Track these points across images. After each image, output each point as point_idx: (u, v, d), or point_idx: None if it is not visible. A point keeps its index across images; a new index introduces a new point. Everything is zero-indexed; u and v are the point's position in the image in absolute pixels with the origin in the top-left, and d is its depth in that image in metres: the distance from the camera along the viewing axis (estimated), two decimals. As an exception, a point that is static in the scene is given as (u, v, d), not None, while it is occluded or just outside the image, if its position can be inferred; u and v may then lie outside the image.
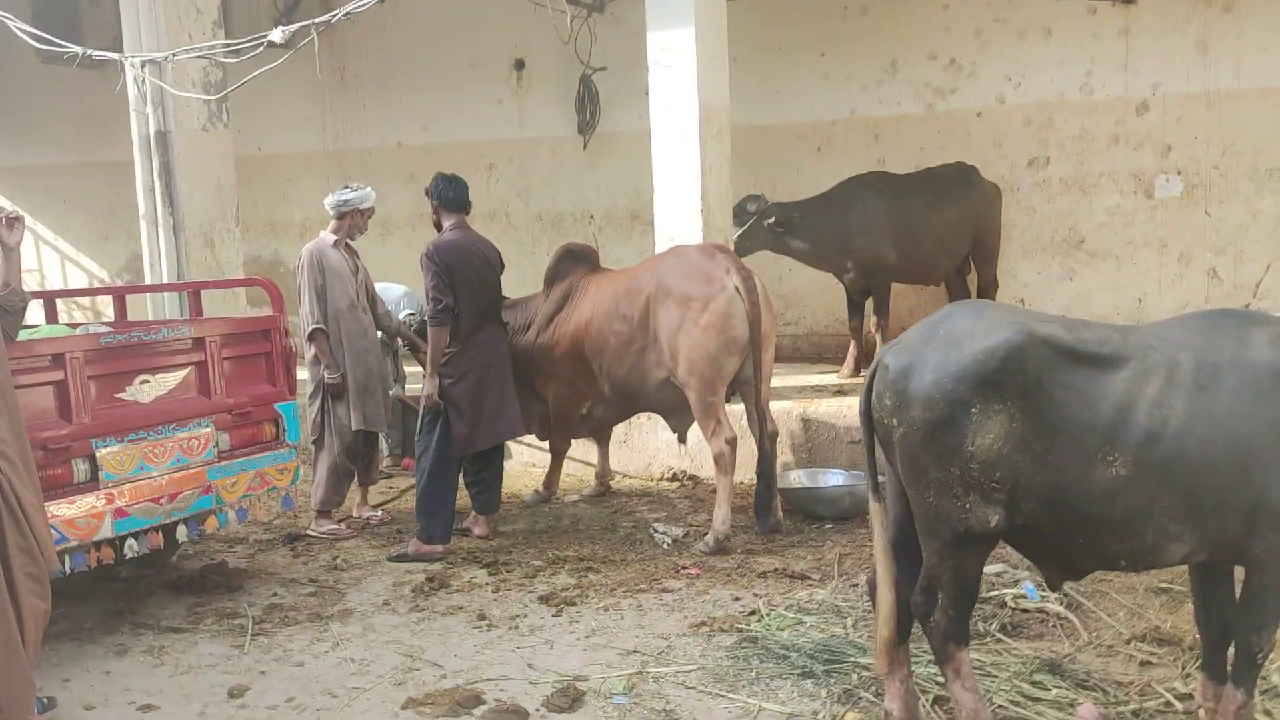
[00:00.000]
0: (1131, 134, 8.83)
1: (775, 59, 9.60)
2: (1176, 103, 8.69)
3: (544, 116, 10.67)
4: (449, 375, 6.15)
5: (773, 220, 8.19)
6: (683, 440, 6.89)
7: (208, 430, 5.31)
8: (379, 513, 7.07)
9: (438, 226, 6.35)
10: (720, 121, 7.62)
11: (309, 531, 6.69)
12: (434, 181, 6.30)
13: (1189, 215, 8.78)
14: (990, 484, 3.33)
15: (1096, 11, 8.78)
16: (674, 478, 7.67)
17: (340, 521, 6.84)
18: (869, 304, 8.54)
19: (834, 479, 6.78)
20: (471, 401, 6.19)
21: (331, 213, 6.89)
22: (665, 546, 6.15)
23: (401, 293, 7.98)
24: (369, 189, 6.91)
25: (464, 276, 6.13)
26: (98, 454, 4.82)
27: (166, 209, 8.87)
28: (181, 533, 5.26)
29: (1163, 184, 8.78)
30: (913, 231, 8.31)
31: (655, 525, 6.42)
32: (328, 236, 6.85)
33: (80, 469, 4.77)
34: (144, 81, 8.52)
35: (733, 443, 6.05)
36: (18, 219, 4.36)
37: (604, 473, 7.43)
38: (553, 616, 5.18)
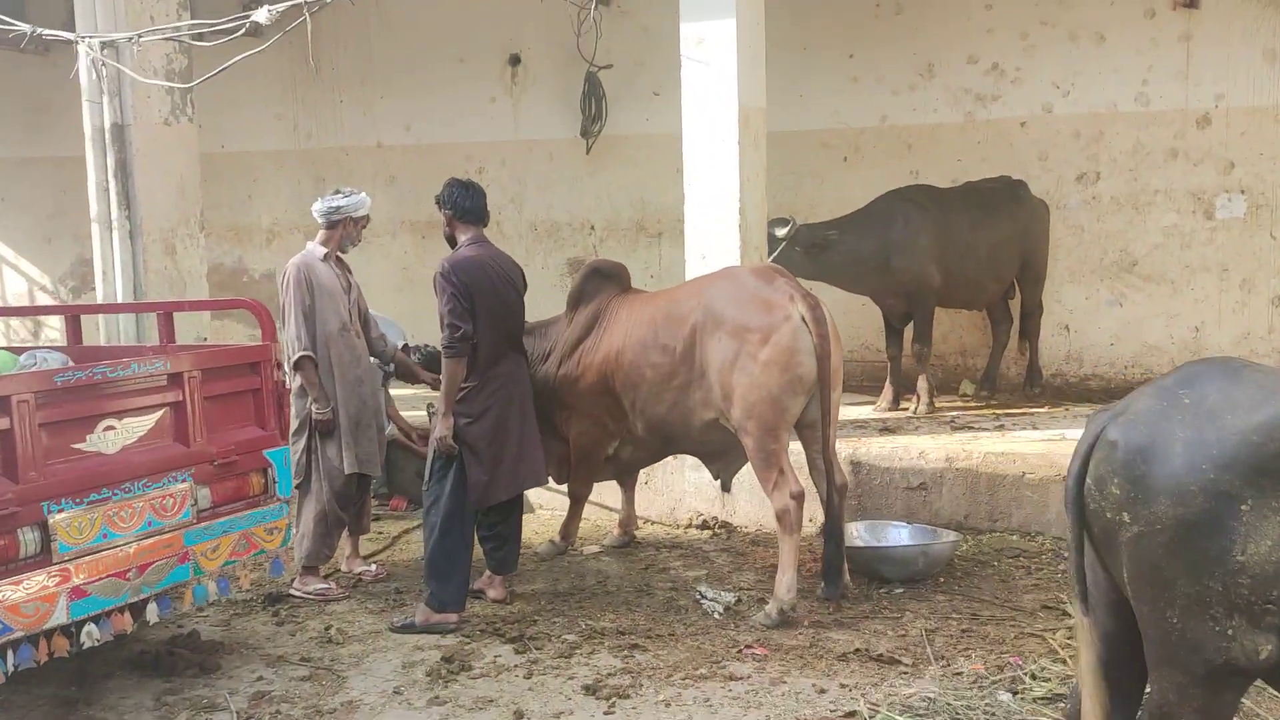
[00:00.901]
0: (1191, 149, 8.14)
1: (799, 59, 8.77)
2: (1241, 116, 8.01)
3: (541, 117, 9.77)
4: (465, 414, 5.25)
5: (807, 245, 7.38)
6: (726, 489, 6.04)
7: (185, 485, 4.37)
8: (373, 567, 6.14)
9: (451, 241, 5.45)
10: (757, 127, 6.81)
11: (293, 591, 5.74)
12: (447, 189, 5.41)
13: (1252, 238, 8.11)
14: (1264, 604, 2.53)
15: (1155, 15, 8.09)
16: (705, 525, 6.82)
17: (327, 577, 5.90)
18: (908, 330, 7.79)
19: (900, 535, 5.98)
20: (491, 444, 5.30)
21: (320, 221, 5.95)
22: (717, 616, 5.30)
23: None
24: (363, 194, 5.98)
25: (484, 300, 5.25)
26: (50, 520, 3.88)
27: (122, 211, 7.87)
28: (152, 612, 4.31)
29: (1224, 203, 8.11)
30: (959, 251, 7.56)
31: (701, 590, 5.56)
32: (316, 248, 5.91)
33: (28, 540, 3.83)
34: (101, 67, 7.52)
35: (799, 498, 5.21)
36: None
37: (628, 520, 6.56)
38: (604, 715, 4.31)
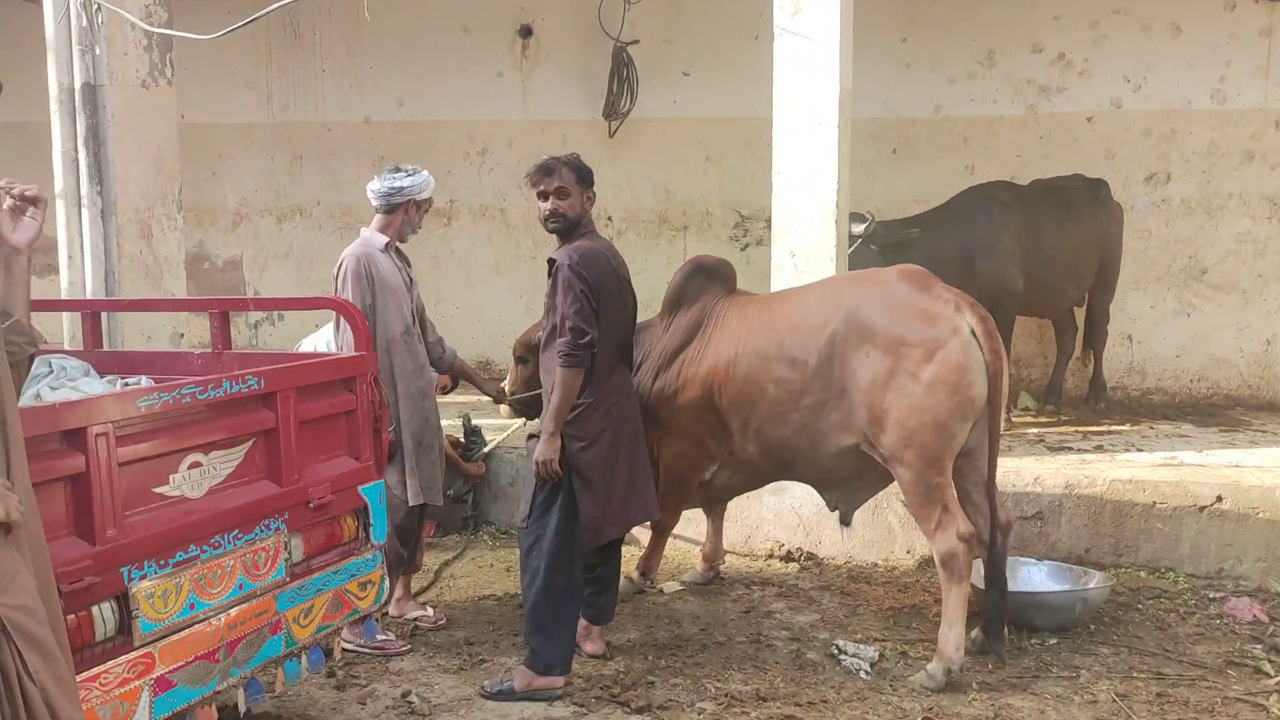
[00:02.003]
0: (1270, 151, 7.68)
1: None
2: (1324, 118, 7.60)
3: (554, 95, 8.88)
4: (577, 437, 4.40)
5: (884, 244, 6.69)
6: (846, 522, 5.27)
7: (277, 535, 3.45)
8: (429, 611, 5.24)
9: (567, 229, 4.55)
10: (848, 112, 6.08)
11: (344, 644, 4.79)
12: (573, 165, 4.53)
13: (1330, 247, 7.71)
14: None
15: (1236, 8, 7.61)
16: (789, 557, 6.08)
17: (385, 626, 5.00)
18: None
19: (1035, 575, 5.30)
20: (605, 473, 4.46)
21: (378, 205, 5.04)
22: (864, 676, 4.56)
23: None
24: (425, 173, 5.07)
25: (608, 301, 4.42)
26: (131, 591, 2.93)
27: (94, 186, 6.77)
28: (240, 699, 3.37)
29: (1302, 210, 7.69)
30: (1043, 255, 6.96)
31: (838, 644, 4.81)
32: (375, 237, 5.00)
33: (106, 618, 2.87)
34: (74, 17, 6.43)
35: (969, 540, 4.49)
36: (37, 200, 2.48)
37: (714, 554, 5.77)
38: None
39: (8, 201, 2.44)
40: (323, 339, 5.56)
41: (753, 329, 4.96)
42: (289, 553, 3.49)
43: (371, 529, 3.87)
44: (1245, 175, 7.74)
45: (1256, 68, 7.63)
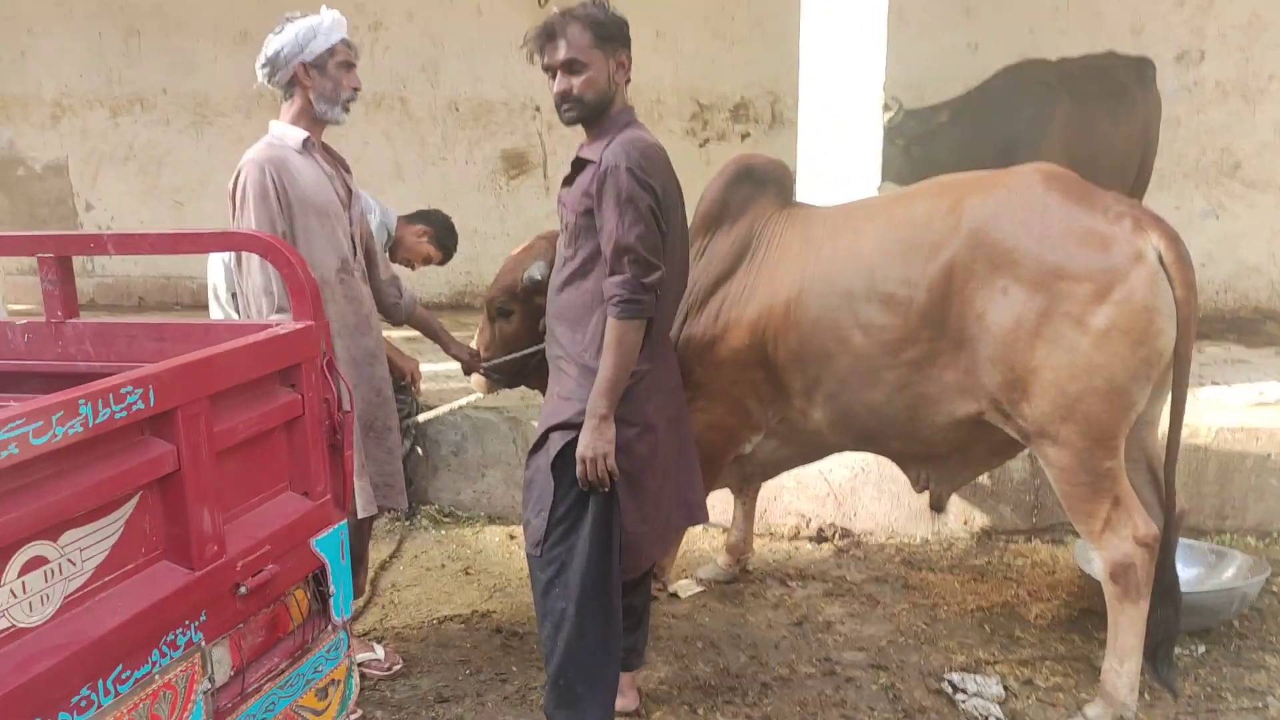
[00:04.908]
0: (1321, 25, 6.64)
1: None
2: (1382, -13, 6.56)
3: (465, -48, 7.19)
4: (631, 421, 2.98)
5: (912, 136, 5.40)
6: (939, 509, 4.00)
7: (190, 654, 1.97)
8: (379, 651, 3.79)
9: (589, 116, 3.07)
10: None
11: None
12: (588, 12, 2.99)
13: (1381, 140, 6.76)
14: None
15: None
16: (819, 534, 4.85)
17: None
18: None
19: (1197, 568, 4.16)
20: (654, 471, 3.08)
21: (271, 83, 3.42)
22: (996, 723, 3.38)
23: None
24: (318, 15, 3.42)
25: (674, 222, 3.01)
26: None
27: None
28: None
29: (1353, 97, 6.69)
30: (1091, 148, 5.76)
31: (952, 679, 3.59)
32: (287, 131, 3.40)
33: None
34: None
35: (1152, 546, 3.29)
36: None
37: (743, 545, 4.48)
38: None
39: None
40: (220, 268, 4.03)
41: (824, 255, 3.60)
42: (209, 679, 2.02)
43: (333, 600, 2.41)
44: (1290, 54, 6.68)
45: (1308, -75, 6.52)
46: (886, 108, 5.35)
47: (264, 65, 3.36)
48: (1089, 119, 5.71)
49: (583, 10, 3.02)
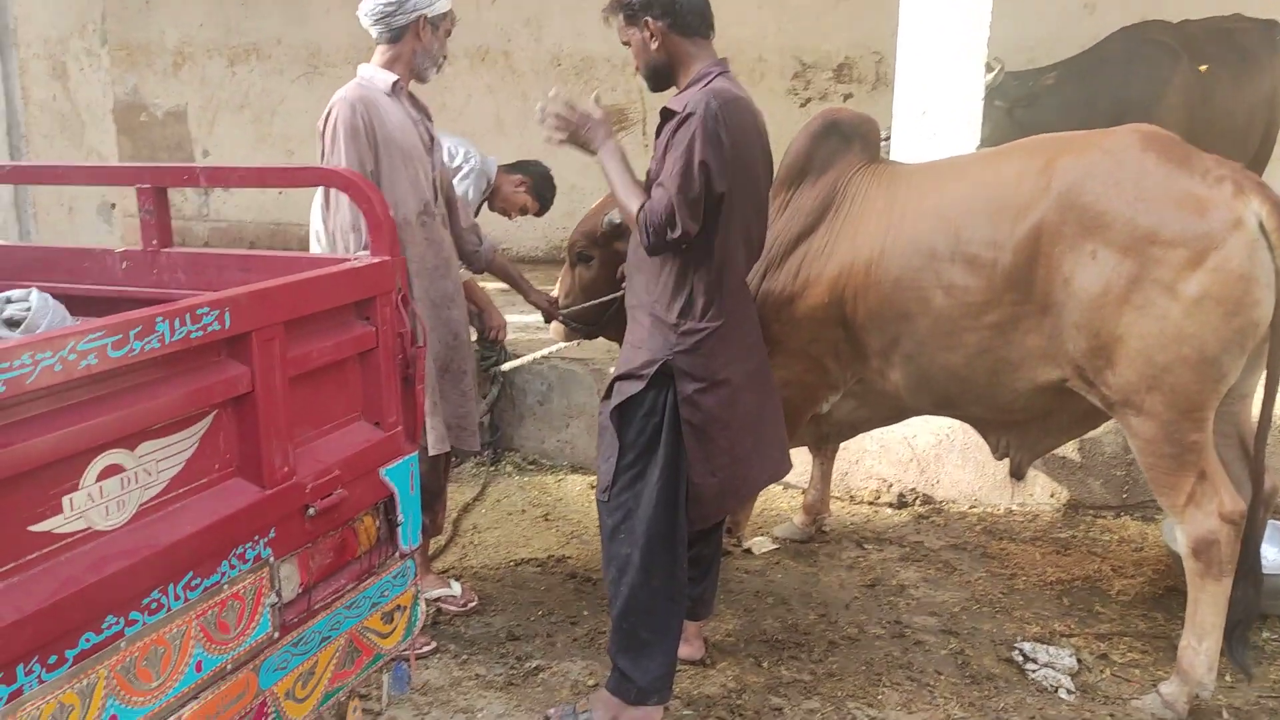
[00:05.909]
0: None
1: None
2: None
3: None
4: (698, 376, 3.01)
5: (1014, 99, 5.26)
6: (1019, 475, 3.94)
7: (259, 568, 2.07)
8: (456, 588, 3.90)
9: (659, 80, 3.09)
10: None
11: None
12: None
13: None
14: None
15: None
16: (899, 500, 4.81)
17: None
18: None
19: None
20: (728, 427, 3.10)
21: (374, 31, 3.50)
22: (1065, 695, 3.32)
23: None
24: None
25: (744, 180, 2.99)
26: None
27: (-14, 8, 5.26)
28: (205, 847, 2.03)
29: None
30: (1211, 116, 5.54)
31: (1024, 648, 3.55)
32: (378, 74, 3.48)
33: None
34: None
35: (1238, 522, 3.20)
36: None
37: (820, 504, 4.48)
38: None
39: None
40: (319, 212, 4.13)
41: (909, 213, 3.55)
42: (277, 593, 2.11)
43: (401, 529, 2.49)
44: None
45: None
46: (989, 68, 5.24)
47: (385, 8, 3.43)
48: (1210, 85, 5.49)
49: None
